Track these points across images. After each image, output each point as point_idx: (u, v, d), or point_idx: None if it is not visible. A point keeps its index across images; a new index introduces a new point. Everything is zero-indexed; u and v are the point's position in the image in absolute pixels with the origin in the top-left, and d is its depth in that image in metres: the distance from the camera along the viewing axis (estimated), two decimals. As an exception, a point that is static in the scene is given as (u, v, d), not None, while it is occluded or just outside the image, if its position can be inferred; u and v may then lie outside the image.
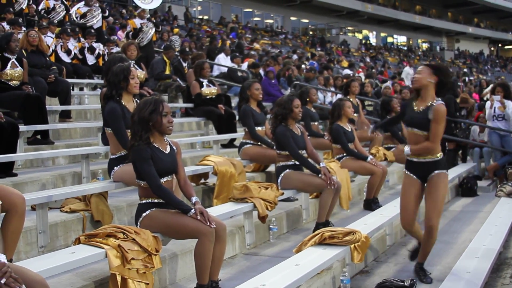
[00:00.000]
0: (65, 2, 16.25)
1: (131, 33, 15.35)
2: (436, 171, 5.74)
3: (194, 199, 5.16)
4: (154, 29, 15.28)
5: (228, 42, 25.33)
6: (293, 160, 7.56)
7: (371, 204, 8.74)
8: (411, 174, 5.85)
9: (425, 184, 5.82)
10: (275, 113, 7.65)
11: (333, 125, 8.97)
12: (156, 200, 5.11)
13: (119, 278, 4.41)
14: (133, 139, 5.09)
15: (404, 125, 6.10)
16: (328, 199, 7.32)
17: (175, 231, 5.06)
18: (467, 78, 35.97)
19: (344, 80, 16.01)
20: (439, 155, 5.75)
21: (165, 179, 5.15)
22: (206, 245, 4.89)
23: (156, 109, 5.05)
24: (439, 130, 5.58)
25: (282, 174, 7.59)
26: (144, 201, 5.17)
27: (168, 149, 5.23)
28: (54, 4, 15.93)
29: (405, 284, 5.29)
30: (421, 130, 5.65)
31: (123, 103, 6.45)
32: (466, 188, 11.32)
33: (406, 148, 5.80)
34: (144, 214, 5.10)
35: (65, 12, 15.79)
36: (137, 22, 15.34)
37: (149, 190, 5.07)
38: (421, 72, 5.70)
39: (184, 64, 13.99)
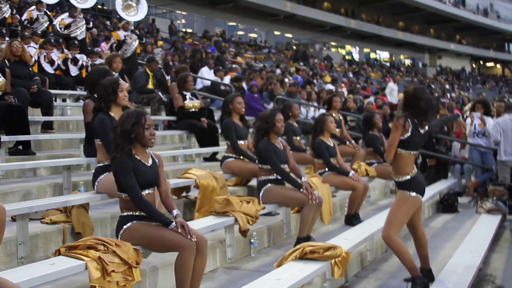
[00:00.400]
0: (49, 13, 16.23)
1: (115, 45, 15.35)
2: (400, 190, 5.90)
3: (175, 212, 5.16)
4: (137, 41, 15.29)
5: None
6: (275, 175, 7.57)
7: (352, 219, 8.76)
8: None
9: None
10: (258, 127, 7.67)
11: (316, 140, 9.00)
12: (137, 213, 5.10)
13: (99, 291, 4.39)
14: (115, 151, 5.09)
15: None
16: (309, 214, 7.34)
17: (156, 244, 5.05)
18: (449, 95, 36.23)
19: (327, 95, 16.08)
20: (402, 178, 5.86)
21: (146, 191, 5.15)
22: (187, 258, 4.89)
23: (138, 121, 5.07)
24: (389, 138, 5.88)
25: (263, 188, 7.60)
26: (125, 214, 5.16)
27: (150, 162, 5.23)
28: (37, 15, 15.91)
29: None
30: None
31: (112, 115, 6.49)
32: (447, 204, 11.38)
33: None
34: (125, 227, 5.09)
35: (48, 23, 15.76)
36: (121, 34, 15.35)
37: (130, 203, 5.06)
38: None
39: (167, 77, 14.00)
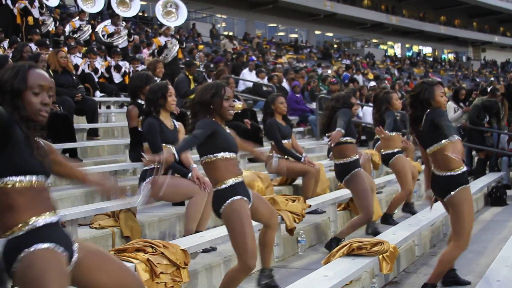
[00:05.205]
0: (91, 22, 16.50)
1: (156, 51, 15.48)
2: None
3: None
4: (178, 46, 15.37)
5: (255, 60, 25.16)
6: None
7: (388, 219, 8.55)
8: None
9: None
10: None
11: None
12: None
13: (148, 292, 4.44)
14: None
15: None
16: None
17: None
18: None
19: (369, 92, 16.02)
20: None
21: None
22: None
23: (217, 93, 5.05)
24: None
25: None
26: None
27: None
28: (80, 24, 16.21)
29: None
30: None
31: (161, 119, 6.57)
32: (495, 197, 11.23)
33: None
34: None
35: (91, 31, 16.03)
36: (162, 40, 15.47)
37: None
38: None
39: (209, 80, 14.07)
